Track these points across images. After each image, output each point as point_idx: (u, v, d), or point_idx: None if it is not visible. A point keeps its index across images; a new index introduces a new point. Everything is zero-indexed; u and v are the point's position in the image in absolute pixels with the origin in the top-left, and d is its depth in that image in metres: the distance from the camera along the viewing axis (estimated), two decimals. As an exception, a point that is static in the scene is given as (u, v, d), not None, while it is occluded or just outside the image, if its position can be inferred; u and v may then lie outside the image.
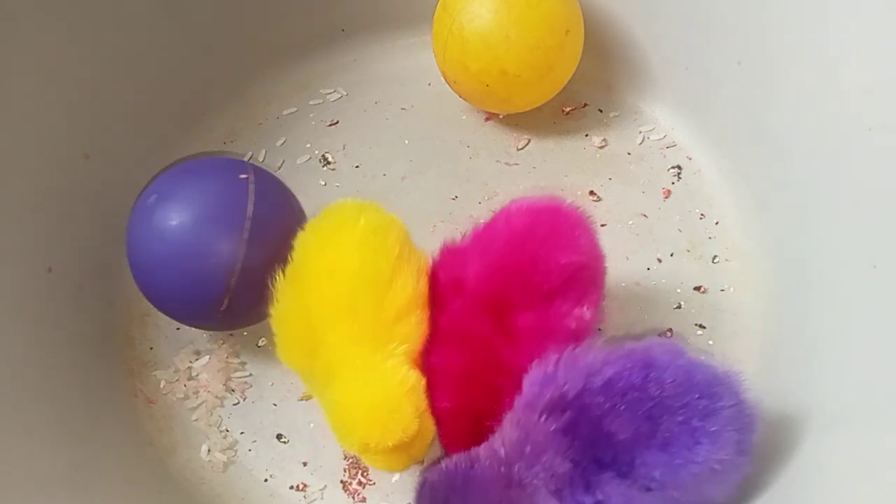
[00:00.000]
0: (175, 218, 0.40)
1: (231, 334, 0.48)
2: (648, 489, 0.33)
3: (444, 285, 0.40)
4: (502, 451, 0.34)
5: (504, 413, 0.36)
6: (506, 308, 0.38)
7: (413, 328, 0.38)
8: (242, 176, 0.42)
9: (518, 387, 0.36)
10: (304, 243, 0.40)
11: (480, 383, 0.38)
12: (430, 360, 0.39)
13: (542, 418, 0.34)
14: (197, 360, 0.47)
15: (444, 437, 0.39)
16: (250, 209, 0.41)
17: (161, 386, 0.46)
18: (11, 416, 0.38)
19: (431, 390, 0.38)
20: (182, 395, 0.46)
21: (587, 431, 0.33)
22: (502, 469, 0.34)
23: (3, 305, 0.41)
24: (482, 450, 0.36)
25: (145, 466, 0.43)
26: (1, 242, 0.42)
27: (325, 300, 0.38)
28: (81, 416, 0.42)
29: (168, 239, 0.40)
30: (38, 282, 0.43)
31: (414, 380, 0.38)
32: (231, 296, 0.41)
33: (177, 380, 0.46)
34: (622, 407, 0.33)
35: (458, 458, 0.36)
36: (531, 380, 0.35)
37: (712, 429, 0.33)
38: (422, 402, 0.38)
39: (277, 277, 0.39)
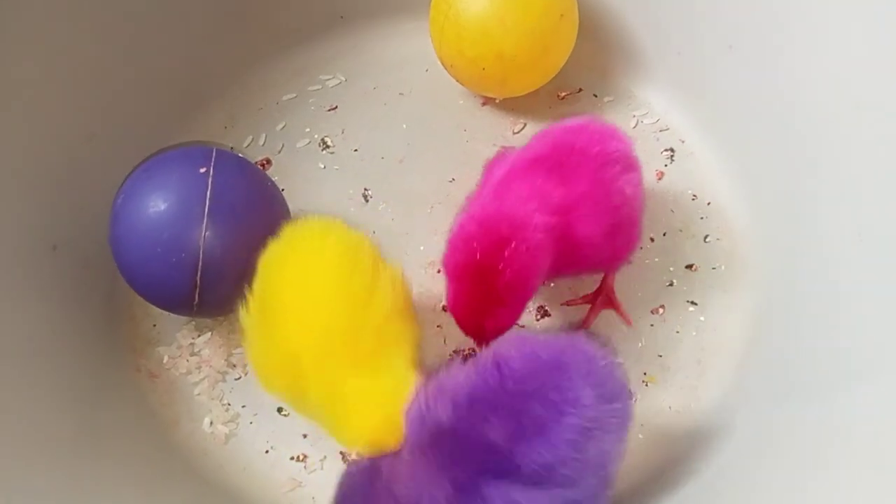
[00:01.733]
0: (136, 221, 0.41)
1: (231, 312, 0.49)
2: (539, 480, 0.33)
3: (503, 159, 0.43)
4: (396, 490, 0.34)
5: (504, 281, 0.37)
6: (564, 173, 0.40)
7: (398, 336, 0.38)
8: (202, 170, 0.42)
9: (534, 262, 0.38)
10: (270, 272, 0.39)
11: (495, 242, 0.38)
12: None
13: (425, 453, 0.34)
14: (199, 336, 0.48)
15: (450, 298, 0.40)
16: (208, 204, 0.41)
17: (164, 361, 0.47)
18: (20, 384, 0.39)
19: (449, 246, 0.39)
20: (185, 371, 0.47)
21: (467, 450, 0.33)
22: (398, 495, 0.34)
23: (11, 281, 0.42)
24: (388, 464, 0.35)
25: (149, 437, 0.44)
26: (7, 220, 0.43)
27: (304, 329, 0.37)
28: (86, 388, 0.43)
29: (133, 241, 0.41)
30: (43, 259, 0.44)
31: (417, 383, 0.37)
32: (200, 291, 0.41)
33: (179, 355, 0.47)
34: (488, 413, 0.33)
35: (366, 466, 0.36)
36: (410, 419, 0.35)
37: (569, 395, 0.33)
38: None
39: (243, 311, 0.38)
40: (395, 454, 0.35)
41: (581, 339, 0.36)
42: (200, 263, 0.41)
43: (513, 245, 0.38)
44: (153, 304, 0.45)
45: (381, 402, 0.36)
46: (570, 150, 0.41)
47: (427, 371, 0.37)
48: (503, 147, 0.45)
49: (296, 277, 0.38)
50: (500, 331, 0.39)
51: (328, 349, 0.36)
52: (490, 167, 0.46)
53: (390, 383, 0.36)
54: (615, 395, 0.35)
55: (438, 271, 0.50)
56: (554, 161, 0.41)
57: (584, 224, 0.40)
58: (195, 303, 0.42)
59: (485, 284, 0.38)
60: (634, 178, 0.43)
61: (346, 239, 0.39)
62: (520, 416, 0.33)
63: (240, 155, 0.45)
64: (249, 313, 0.38)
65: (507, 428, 0.33)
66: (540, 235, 0.38)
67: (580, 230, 0.40)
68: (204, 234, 0.40)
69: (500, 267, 0.37)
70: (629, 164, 0.43)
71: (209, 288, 0.41)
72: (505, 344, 0.36)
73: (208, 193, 0.41)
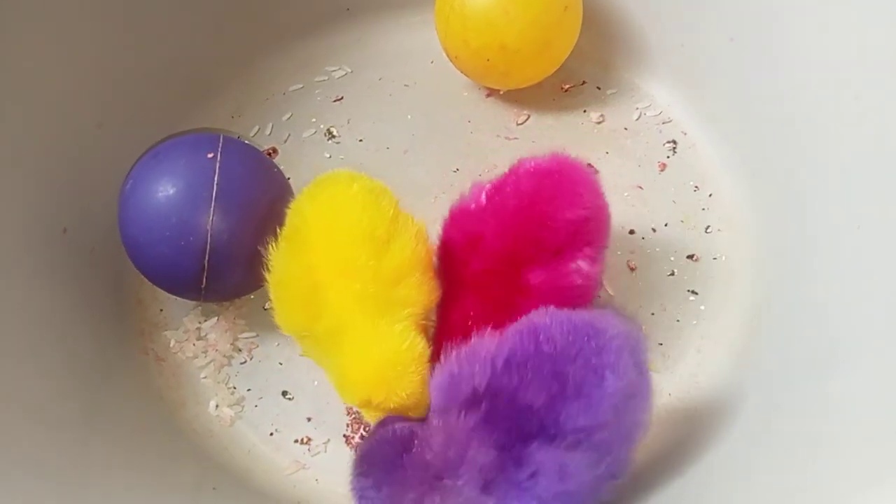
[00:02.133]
0: (145, 205, 0.42)
1: (238, 297, 0.49)
2: (577, 443, 0.33)
3: (459, 244, 0.42)
4: (429, 455, 0.34)
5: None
6: (519, 265, 0.40)
7: (414, 291, 0.40)
8: (209, 155, 0.42)
9: None
10: (300, 207, 0.41)
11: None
12: (449, 316, 0.41)
13: (462, 417, 0.34)
14: (206, 321, 0.49)
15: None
16: (215, 189, 0.42)
17: (171, 345, 0.48)
18: (30, 364, 0.39)
19: (450, 344, 0.39)
20: (191, 354, 0.48)
21: (507, 413, 0.34)
22: (430, 461, 0.34)
23: (22, 262, 0.43)
24: (420, 430, 0.36)
25: (155, 418, 0.44)
26: (18, 201, 0.43)
27: (327, 258, 0.39)
28: (95, 368, 0.43)
29: (142, 225, 0.42)
30: (53, 241, 0.45)
31: (422, 347, 0.39)
32: (208, 274, 0.42)
33: (186, 339, 0.48)
34: (529, 376, 0.34)
35: (397, 432, 0.36)
36: (438, 384, 0.36)
37: (609, 360, 0.34)
38: (427, 370, 0.39)
39: (271, 244, 0.41)
40: (422, 421, 0.36)
41: (610, 311, 0.37)
42: (208, 247, 0.41)
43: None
44: (161, 287, 0.45)
45: (382, 353, 0.38)
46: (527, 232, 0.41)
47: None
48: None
49: (322, 216, 0.40)
50: None
51: (349, 282, 0.38)
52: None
53: (397, 336, 0.38)
54: (644, 367, 0.36)
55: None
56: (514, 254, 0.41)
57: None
58: (203, 286, 0.42)
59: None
60: (589, 260, 0.41)
61: (370, 186, 0.42)
62: (561, 378, 0.34)
63: (246, 141, 0.46)
64: (277, 251, 0.40)
65: (548, 391, 0.34)
66: None
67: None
68: (212, 218, 0.41)
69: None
70: (593, 235, 0.42)
71: (217, 271, 0.42)
72: (537, 314, 0.36)
73: (216, 178, 0.42)
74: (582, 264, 0.40)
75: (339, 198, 0.40)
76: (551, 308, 0.37)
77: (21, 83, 0.45)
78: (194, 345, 0.48)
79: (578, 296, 0.41)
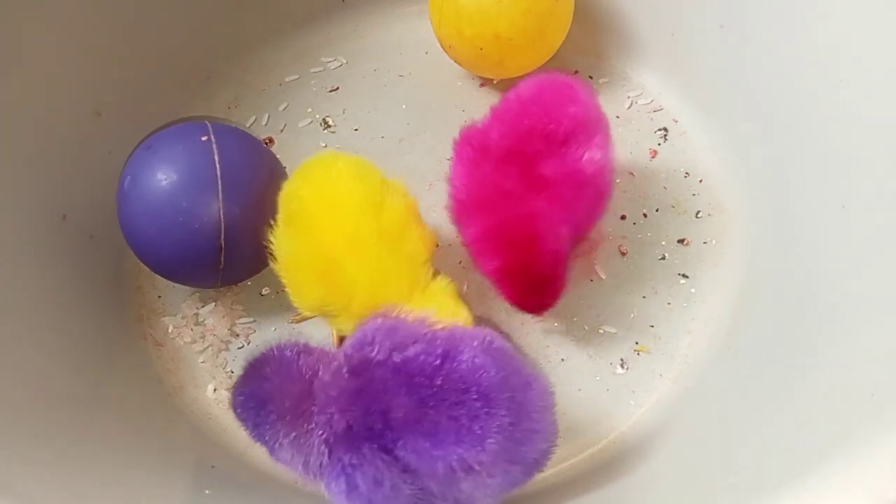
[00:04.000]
0: (151, 194, 0.42)
1: (235, 283, 0.50)
2: (405, 471, 0.33)
3: (473, 155, 0.45)
4: (300, 387, 0.35)
5: (544, 262, 0.41)
6: (530, 160, 0.43)
7: (418, 241, 0.42)
8: (203, 138, 0.43)
9: (553, 233, 0.42)
10: (295, 192, 0.43)
11: (521, 235, 0.42)
12: (470, 231, 0.43)
13: (345, 375, 0.34)
14: (203, 307, 0.49)
15: (507, 295, 0.43)
16: (218, 168, 0.42)
17: (169, 331, 0.49)
18: (30, 349, 0.40)
19: (478, 256, 0.43)
20: (189, 340, 0.48)
21: (369, 401, 0.34)
22: (300, 393, 0.35)
23: (22, 248, 0.43)
24: (321, 354, 0.37)
25: (155, 400, 0.45)
26: (18, 189, 0.44)
27: (334, 233, 0.41)
28: (95, 353, 0.44)
29: (150, 217, 0.42)
30: (53, 228, 0.46)
31: (465, 313, 0.41)
32: (224, 254, 0.43)
33: (184, 325, 0.49)
34: (404, 388, 0.33)
35: (291, 354, 0.37)
36: (354, 337, 0.36)
37: (477, 431, 0.33)
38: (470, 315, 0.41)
39: (270, 232, 0.42)
40: (330, 353, 0.37)
41: (544, 390, 0.36)
42: (222, 226, 0.42)
43: (542, 246, 0.42)
44: (177, 277, 0.46)
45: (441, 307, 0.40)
46: (530, 135, 0.44)
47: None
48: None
49: (320, 195, 0.42)
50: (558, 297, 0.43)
51: (362, 248, 0.40)
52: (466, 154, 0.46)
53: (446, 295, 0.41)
54: (527, 462, 0.35)
55: (437, 245, 0.51)
56: (520, 152, 0.44)
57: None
58: (221, 267, 0.43)
59: (530, 276, 0.42)
60: (599, 142, 0.45)
61: (353, 160, 0.44)
62: (426, 411, 0.33)
63: (231, 122, 0.47)
64: (278, 238, 0.42)
65: (408, 412, 0.33)
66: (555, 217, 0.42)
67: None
68: (220, 196, 0.42)
69: (538, 258, 0.42)
70: (595, 129, 0.45)
71: (232, 249, 0.43)
72: (472, 338, 0.35)
73: (216, 157, 0.43)
74: (592, 154, 0.43)
75: (330, 175, 0.42)
76: (494, 344, 0.36)
77: (20, 72, 0.45)
78: (192, 330, 0.49)
79: (595, 188, 0.44)
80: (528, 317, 0.48)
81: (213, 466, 0.42)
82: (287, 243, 0.42)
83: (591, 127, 0.45)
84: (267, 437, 0.36)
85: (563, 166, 0.43)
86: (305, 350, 0.37)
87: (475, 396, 0.33)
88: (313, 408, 0.35)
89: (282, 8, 0.60)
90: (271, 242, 0.42)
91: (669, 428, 0.44)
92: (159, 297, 0.50)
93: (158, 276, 0.50)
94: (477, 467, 0.33)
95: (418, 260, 0.42)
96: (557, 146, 0.43)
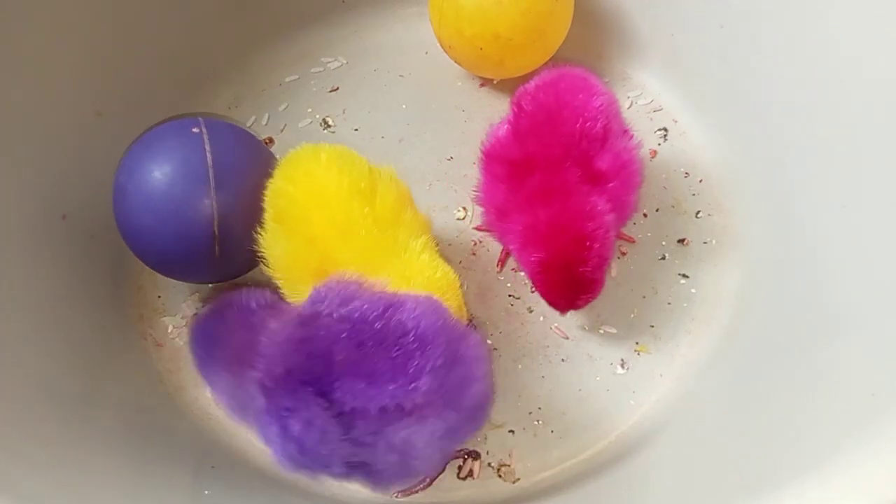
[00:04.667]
0: (147, 188, 0.42)
1: (235, 283, 0.50)
2: (340, 414, 0.33)
3: (506, 174, 0.44)
4: (249, 336, 0.36)
5: (591, 259, 0.41)
6: (581, 161, 0.43)
7: (413, 224, 0.42)
8: (195, 130, 0.44)
9: (604, 235, 0.42)
10: (280, 189, 0.42)
11: (570, 231, 0.42)
12: (514, 225, 0.43)
13: (294, 324, 0.35)
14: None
15: (542, 290, 0.43)
16: (209, 158, 0.43)
17: (169, 331, 0.49)
18: (31, 345, 0.40)
19: (521, 248, 0.43)
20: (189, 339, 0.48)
21: (312, 347, 0.34)
22: (249, 341, 0.36)
23: (23, 247, 0.43)
24: (284, 309, 0.37)
25: (155, 399, 0.45)
26: (19, 188, 0.44)
27: (325, 226, 0.40)
28: (95, 352, 0.44)
29: (147, 209, 0.43)
30: (53, 228, 0.46)
31: (452, 273, 0.41)
32: (219, 242, 0.43)
33: (184, 325, 0.49)
34: (346, 333, 0.34)
35: (250, 301, 0.39)
36: (308, 296, 0.37)
37: (410, 371, 0.33)
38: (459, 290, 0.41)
39: (260, 229, 0.42)
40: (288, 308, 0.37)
41: (479, 345, 0.36)
42: (216, 213, 0.42)
43: (593, 244, 0.41)
44: (174, 270, 0.46)
45: (418, 285, 0.39)
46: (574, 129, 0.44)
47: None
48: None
49: (306, 189, 0.41)
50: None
51: (353, 237, 0.40)
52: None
53: (427, 265, 0.40)
54: (459, 405, 0.35)
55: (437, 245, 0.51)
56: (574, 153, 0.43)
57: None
58: (216, 256, 0.43)
59: (574, 274, 0.42)
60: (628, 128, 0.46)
61: (337, 150, 0.43)
62: (365, 353, 0.34)
63: (221, 116, 0.48)
64: (267, 234, 0.42)
65: (348, 355, 0.34)
66: (607, 218, 0.42)
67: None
68: (212, 184, 0.42)
69: (586, 259, 0.41)
70: (618, 117, 0.46)
71: (227, 236, 0.43)
72: (417, 300, 0.36)
73: (207, 147, 0.43)
74: (632, 142, 0.44)
75: (315, 169, 0.42)
76: (438, 306, 0.36)
77: (20, 73, 0.45)
78: (192, 330, 0.49)
79: (638, 179, 0.45)
80: (528, 317, 0.48)
81: (213, 466, 0.42)
82: (278, 242, 0.42)
83: (618, 115, 0.46)
84: (211, 377, 0.37)
85: (615, 157, 0.43)
86: (270, 304, 0.38)
87: (412, 339, 0.34)
88: (257, 356, 0.35)
89: (282, 8, 0.60)
90: (261, 245, 0.42)
91: (669, 428, 0.44)
92: (159, 296, 0.50)
93: (159, 276, 0.50)
94: (409, 406, 0.33)
95: (414, 247, 0.41)
96: (600, 142, 0.43)
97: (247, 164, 0.44)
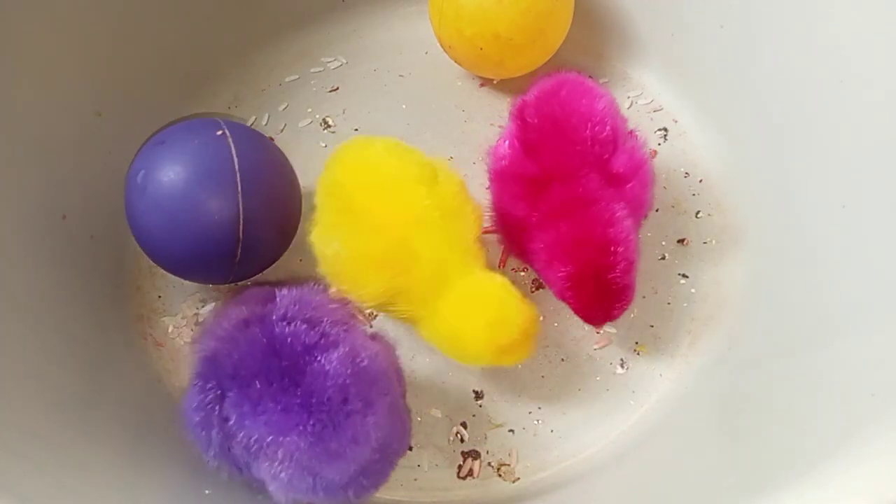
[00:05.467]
0: (169, 187, 0.42)
1: (235, 283, 0.50)
2: (225, 420, 0.35)
3: (521, 192, 0.43)
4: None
5: (619, 264, 0.40)
6: (596, 167, 0.42)
7: (472, 219, 0.41)
8: (219, 133, 0.44)
9: (627, 239, 0.41)
10: (338, 182, 0.41)
11: (594, 240, 0.41)
12: (536, 243, 0.42)
13: (239, 321, 0.37)
14: (203, 306, 0.49)
15: (576, 306, 0.43)
16: (236, 161, 0.43)
17: (169, 331, 0.49)
18: (31, 345, 0.40)
19: (547, 266, 0.42)
20: (189, 339, 0.48)
21: (235, 348, 0.35)
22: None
23: (23, 247, 0.43)
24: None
25: (155, 399, 0.45)
26: (18, 188, 0.44)
27: (392, 214, 0.39)
28: (95, 352, 0.44)
29: (168, 209, 0.42)
30: (53, 228, 0.46)
31: (503, 278, 0.40)
32: (242, 246, 0.43)
33: (184, 325, 0.49)
34: (268, 350, 0.35)
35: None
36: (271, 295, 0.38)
37: (290, 420, 0.33)
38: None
39: (315, 222, 0.41)
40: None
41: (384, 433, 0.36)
42: (241, 217, 0.42)
43: (617, 248, 0.41)
44: (188, 271, 0.46)
45: (493, 296, 0.39)
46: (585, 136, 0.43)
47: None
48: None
49: (367, 176, 0.41)
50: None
51: (426, 222, 0.39)
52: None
53: (492, 277, 0.40)
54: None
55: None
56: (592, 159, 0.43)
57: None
58: (237, 260, 0.44)
59: (605, 283, 0.41)
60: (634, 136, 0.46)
61: (389, 140, 0.43)
62: (267, 378, 0.34)
63: (239, 120, 0.47)
64: (323, 231, 0.41)
65: (250, 373, 0.34)
66: (627, 222, 0.42)
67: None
68: (239, 188, 0.42)
69: (613, 265, 0.41)
70: (621, 118, 0.46)
71: (251, 241, 0.43)
72: (358, 349, 0.36)
73: (233, 151, 0.43)
74: (640, 141, 0.44)
75: (372, 159, 0.41)
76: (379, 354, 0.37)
77: (20, 73, 0.45)
78: (192, 330, 0.49)
79: (652, 172, 0.45)
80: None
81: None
82: (337, 236, 0.40)
83: (621, 116, 0.45)
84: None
85: (629, 158, 0.43)
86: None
87: (309, 388, 0.34)
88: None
89: (282, 8, 0.60)
90: (316, 243, 0.41)
91: (669, 428, 0.44)
92: (159, 296, 0.50)
93: (159, 276, 0.50)
94: (271, 452, 0.34)
95: (473, 236, 0.41)
96: (612, 146, 0.43)
97: (269, 167, 0.44)
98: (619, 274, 0.41)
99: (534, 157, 0.43)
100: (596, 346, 0.48)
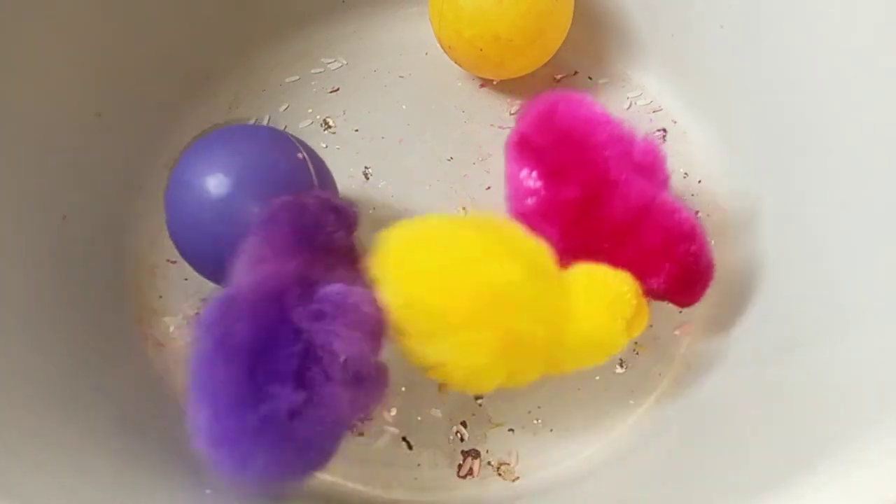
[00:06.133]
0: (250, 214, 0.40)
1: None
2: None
3: (574, 208, 0.41)
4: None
5: (702, 242, 0.42)
6: (627, 158, 0.42)
7: (542, 249, 0.39)
8: (300, 156, 0.44)
9: (687, 214, 0.42)
10: (407, 289, 0.37)
11: (676, 232, 0.41)
12: (617, 262, 0.40)
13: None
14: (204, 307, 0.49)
15: (681, 298, 0.43)
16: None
17: (170, 331, 0.49)
18: (30, 346, 0.40)
19: (642, 278, 0.40)
20: (190, 340, 0.48)
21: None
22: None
23: (21, 248, 0.43)
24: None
25: (155, 400, 0.45)
26: (18, 189, 0.44)
27: (484, 302, 0.36)
28: (95, 353, 0.44)
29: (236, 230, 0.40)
30: (53, 227, 0.46)
31: (585, 265, 0.40)
32: None
33: (185, 325, 0.49)
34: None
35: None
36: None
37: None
38: None
39: (414, 349, 0.38)
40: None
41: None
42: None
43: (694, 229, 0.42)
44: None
45: (613, 293, 0.38)
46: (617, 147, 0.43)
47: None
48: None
49: (452, 275, 0.37)
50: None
51: (525, 290, 0.37)
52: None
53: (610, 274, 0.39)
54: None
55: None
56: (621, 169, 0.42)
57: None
58: None
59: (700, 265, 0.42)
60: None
61: (436, 215, 0.41)
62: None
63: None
64: (418, 344, 0.37)
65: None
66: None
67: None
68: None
69: (701, 245, 0.42)
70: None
71: None
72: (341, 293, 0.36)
73: (314, 177, 0.44)
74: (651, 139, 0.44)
75: (435, 231, 0.39)
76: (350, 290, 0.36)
77: (20, 73, 0.45)
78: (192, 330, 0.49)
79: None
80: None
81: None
82: (440, 347, 0.37)
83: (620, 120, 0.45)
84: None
85: (646, 150, 0.43)
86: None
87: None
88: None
89: (282, 8, 0.60)
90: (410, 358, 0.38)
91: (669, 428, 0.44)
92: (160, 297, 0.50)
93: (158, 277, 0.51)
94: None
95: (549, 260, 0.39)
96: (629, 137, 0.43)
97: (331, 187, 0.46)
98: (705, 250, 0.42)
99: (566, 179, 0.41)
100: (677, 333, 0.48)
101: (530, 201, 0.42)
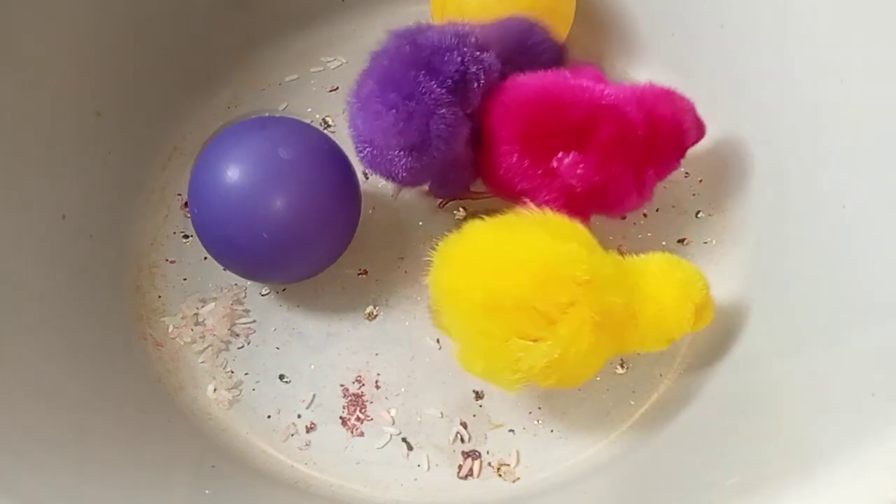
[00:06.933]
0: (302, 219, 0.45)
1: (235, 283, 0.50)
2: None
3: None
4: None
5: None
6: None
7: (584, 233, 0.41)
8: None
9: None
10: (476, 298, 0.38)
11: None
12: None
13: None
14: (203, 307, 0.49)
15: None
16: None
17: (169, 331, 0.49)
18: (30, 345, 0.40)
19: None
20: (189, 340, 0.48)
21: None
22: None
23: (23, 247, 0.43)
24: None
25: (154, 399, 0.45)
26: (18, 188, 0.44)
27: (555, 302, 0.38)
28: (95, 352, 0.44)
29: (294, 234, 0.44)
30: (52, 227, 0.46)
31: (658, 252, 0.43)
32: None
33: (184, 325, 0.49)
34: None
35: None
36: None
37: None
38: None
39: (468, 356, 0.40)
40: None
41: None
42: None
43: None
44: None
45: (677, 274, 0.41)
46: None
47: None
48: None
49: (501, 252, 0.39)
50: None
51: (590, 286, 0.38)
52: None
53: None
54: None
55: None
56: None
57: None
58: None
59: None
60: None
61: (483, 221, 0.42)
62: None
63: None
64: (534, 355, 0.38)
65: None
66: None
67: None
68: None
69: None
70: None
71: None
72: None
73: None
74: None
75: (490, 235, 0.41)
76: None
77: (20, 72, 0.45)
78: (192, 330, 0.49)
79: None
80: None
81: (213, 466, 0.42)
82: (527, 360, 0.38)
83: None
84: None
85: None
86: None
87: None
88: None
89: (282, 8, 0.60)
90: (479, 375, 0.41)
91: (669, 428, 0.44)
92: (159, 297, 0.50)
93: (158, 276, 0.51)
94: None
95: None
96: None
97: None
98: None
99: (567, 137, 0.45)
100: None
101: (580, 169, 0.45)
